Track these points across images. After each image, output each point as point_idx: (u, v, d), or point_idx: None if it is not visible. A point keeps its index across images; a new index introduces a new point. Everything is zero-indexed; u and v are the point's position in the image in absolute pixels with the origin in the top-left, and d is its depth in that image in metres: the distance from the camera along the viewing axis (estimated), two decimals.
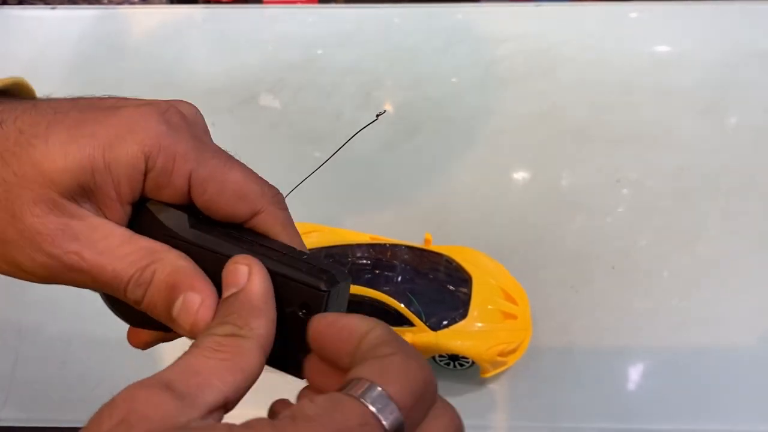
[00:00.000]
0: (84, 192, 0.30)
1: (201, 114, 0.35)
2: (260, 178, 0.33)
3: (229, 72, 0.86)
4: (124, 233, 0.31)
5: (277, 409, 0.28)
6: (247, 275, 0.29)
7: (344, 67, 0.87)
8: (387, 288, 0.55)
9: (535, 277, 0.63)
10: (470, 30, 0.92)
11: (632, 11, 0.94)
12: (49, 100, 0.33)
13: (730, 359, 0.59)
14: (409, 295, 0.55)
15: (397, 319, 0.54)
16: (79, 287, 0.32)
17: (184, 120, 0.33)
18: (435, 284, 0.57)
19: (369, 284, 0.55)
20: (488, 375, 0.56)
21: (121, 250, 0.30)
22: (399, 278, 0.56)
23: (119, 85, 0.85)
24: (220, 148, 0.33)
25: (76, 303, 0.64)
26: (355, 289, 0.55)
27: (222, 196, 0.31)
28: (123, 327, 0.61)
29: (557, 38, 0.90)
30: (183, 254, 0.31)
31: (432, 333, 0.54)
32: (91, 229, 0.30)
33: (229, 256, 0.30)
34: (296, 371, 0.30)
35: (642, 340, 0.60)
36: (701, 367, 0.58)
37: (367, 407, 0.23)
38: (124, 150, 0.30)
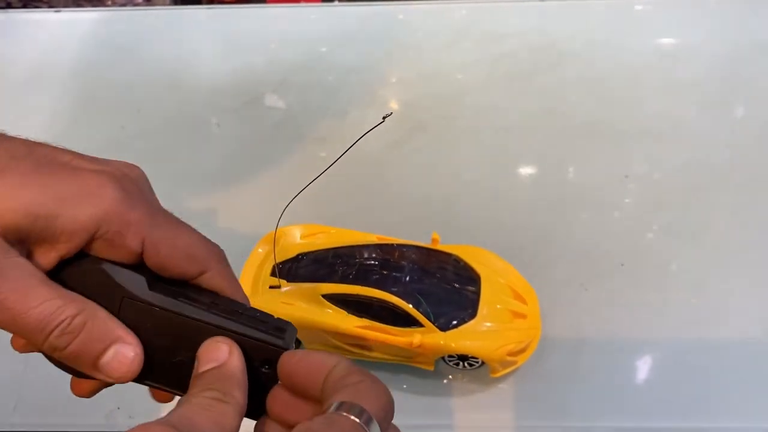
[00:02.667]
0: (20, 236, 0.31)
1: (144, 174, 0.37)
2: (206, 238, 0.36)
3: (234, 72, 0.86)
4: (52, 283, 0.32)
5: None
6: (228, 353, 0.32)
7: (349, 65, 0.87)
8: (395, 289, 0.55)
9: (544, 276, 0.62)
10: (475, 27, 0.92)
11: (637, 4, 0.94)
12: (3, 141, 0.34)
13: (742, 355, 0.58)
14: (418, 295, 0.55)
15: (405, 320, 0.54)
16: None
17: (136, 186, 0.35)
18: (443, 284, 0.56)
19: (377, 285, 0.55)
20: (498, 375, 0.55)
21: (49, 294, 0.31)
22: (407, 279, 0.56)
23: (124, 88, 0.85)
24: (168, 211, 0.36)
25: None
26: (364, 291, 0.54)
27: (173, 258, 0.34)
28: None
29: (562, 33, 0.89)
30: (105, 310, 0.33)
31: (441, 333, 0.54)
32: (21, 270, 0.31)
33: (191, 318, 0.33)
34: (258, 414, 0.34)
35: (652, 337, 0.60)
36: (713, 363, 0.58)
37: (356, 421, 0.29)
38: (81, 210, 0.32)
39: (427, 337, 0.54)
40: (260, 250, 0.60)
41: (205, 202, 0.72)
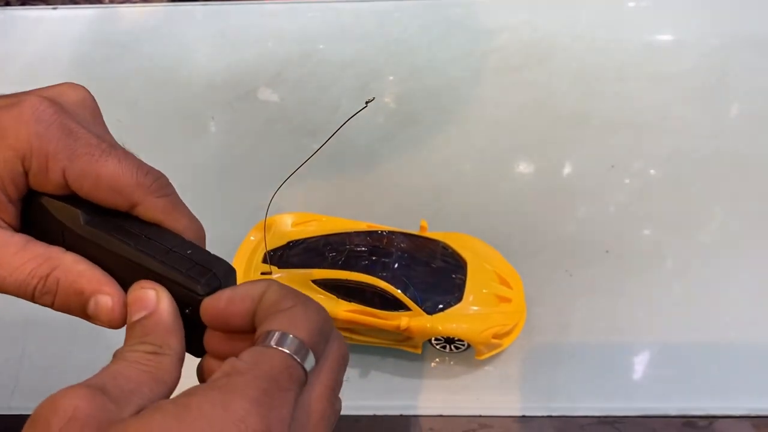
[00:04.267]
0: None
1: (90, 96, 0.36)
2: (138, 167, 0.33)
3: (229, 68, 0.88)
4: (18, 241, 0.32)
5: (207, 371, 0.32)
6: (156, 300, 0.31)
7: (342, 60, 0.89)
8: (384, 274, 0.56)
9: (530, 262, 0.64)
10: (466, 21, 0.93)
11: (630, 0, 0.95)
12: None
13: (724, 340, 0.60)
14: (405, 280, 0.56)
15: (393, 304, 0.55)
16: None
17: (57, 113, 0.33)
18: (430, 270, 0.58)
19: (366, 271, 0.56)
20: (483, 357, 0.57)
21: (18, 259, 0.32)
22: (395, 264, 0.57)
23: (121, 83, 0.87)
24: (97, 138, 0.33)
25: None
26: (353, 276, 0.56)
27: (98, 191, 0.33)
28: None
29: (552, 27, 0.91)
30: (79, 257, 0.33)
31: (428, 317, 0.55)
32: None
33: (121, 256, 0.32)
34: (197, 352, 0.33)
35: (636, 322, 0.61)
36: (695, 348, 0.59)
37: (286, 352, 0.28)
38: (1, 155, 0.32)
39: (414, 320, 0.55)
40: (252, 237, 0.62)
41: (200, 193, 0.73)
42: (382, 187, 0.74)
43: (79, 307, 0.33)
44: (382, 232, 0.60)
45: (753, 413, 0.55)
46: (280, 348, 0.28)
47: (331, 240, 0.60)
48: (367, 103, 0.42)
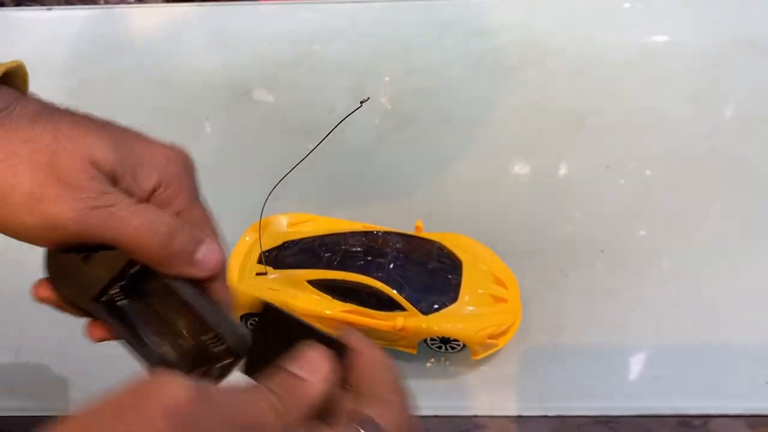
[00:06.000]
0: (112, 179, 0.37)
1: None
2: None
3: (225, 68, 0.88)
4: (147, 205, 0.38)
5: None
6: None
7: (338, 61, 0.89)
8: (379, 274, 0.56)
9: (526, 262, 0.64)
10: (461, 22, 0.93)
11: (625, 1, 0.96)
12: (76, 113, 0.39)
13: (719, 340, 0.60)
14: (401, 280, 0.56)
15: (389, 305, 0.55)
16: (99, 241, 0.36)
17: (192, 169, 0.42)
18: (426, 270, 0.58)
19: (362, 271, 0.56)
20: (479, 357, 0.57)
21: (148, 209, 0.37)
22: (391, 265, 0.57)
23: (116, 83, 0.87)
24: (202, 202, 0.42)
25: None
26: (348, 276, 0.56)
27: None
28: None
29: (548, 28, 0.91)
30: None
31: (423, 317, 0.55)
32: (119, 197, 0.37)
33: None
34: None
35: (631, 322, 0.61)
36: (690, 348, 0.59)
37: None
38: (146, 172, 0.38)
39: (409, 320, 0.55)
40: (247, 238, 0.62)
41: None
42: (377, 188, 0.74)
43: (190, 251, 0.38)
44: (377, 232, 0.60)
45: (747, 412, 0.55)
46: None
47: (327, 240, 0.60)
48: (362, 102, 0.43)
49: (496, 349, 0.57)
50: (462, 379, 0.58)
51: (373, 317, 0.56)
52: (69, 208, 0.35)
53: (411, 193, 0.73)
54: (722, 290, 0.63)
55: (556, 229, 0.69)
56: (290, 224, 0.63)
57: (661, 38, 0.91)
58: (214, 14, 0.97)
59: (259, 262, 0.59)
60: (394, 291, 0.55)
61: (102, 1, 1.04)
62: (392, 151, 0.78)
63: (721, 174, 0.73)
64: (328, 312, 0.56)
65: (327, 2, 0.97)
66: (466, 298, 0.57)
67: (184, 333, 0.38)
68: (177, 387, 0.28)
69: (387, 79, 0.87)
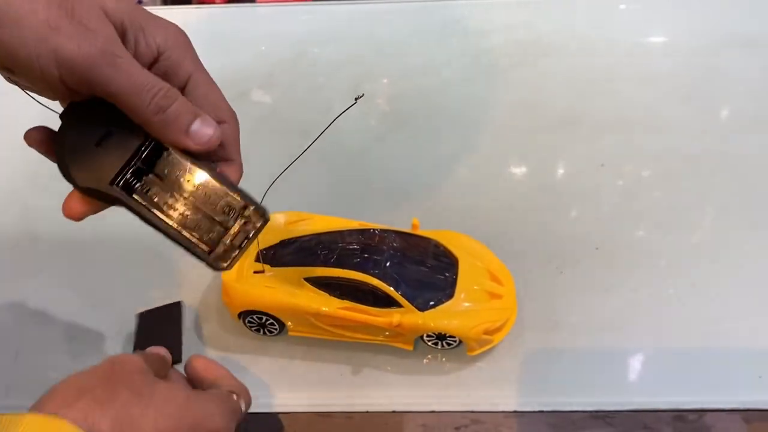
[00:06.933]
0: (120, 32, 0.38)
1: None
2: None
3: (222, 69, 0.86)
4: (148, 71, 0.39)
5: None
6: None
7: (335, 62, 0.89)
8: (376, 271, 0.56)
9: (521, 259, 0.64)
10: (458, 23, 0.94)
11: (621, 3, 0.96)
12: None
13: (714, 335, 0.60)
14: (397, 277, 0.57)
15: (385, 301, 0.56)
16: (100, 91, 0.37)
17: (191, 45, 0.43)
18: (422, 267, 0.58)
19: (358, 268, 0.56)
20: (475, 353, 0.57)
21: (152, 73, 0.39)
22: (387, 262, 0.57)
23: None
24: None
25: (75, 295, 0.66)
26: (345, 273, 0.56)
27: (205, 102, 0.42)
28: (121, 321, 0.63)
29: (544, 29, 0.92)
30: None
31: (419, 313, 0.56)
32: (126, 51, 0.38)
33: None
34: None
35: (626, 318, 0.62)
36: (685, 343, 0.60)
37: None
38: (158, 32, 0.40)
39: (406, 316, 0.55)
40: None
41: None
42: (374, 186, 0.75)
43: (186, 120, 0.39)
44: (374, 230, 0.61)
45: (742, 406, 0.55)
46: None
47: (324, 238, 0.60)
48: (356, 99, 0.43)
49: (491, 345, 0.57)
50: (458, 375, 0.58)
51: (370, 314, 0.56)
52: (81, 46, 0.35)
53: (408, 191, 0.74)
54: (716, 286, 0.63)
55: (552, 227, 0.69)
56: (288, 222, 0.64)
57: (656, 38, 0.91)
58: (211, 16, 0.97)
59: (257, 260, 0.59)
60: (391, 288, 0.56)
61: None
62: (389, 150, 0.78)
63: (715, 172, 0.74)
64: (325, 309, 0.56)
65: (324, 3, 0.98)
66: (462, 294, 0.57)
67: (197, 205, 0.41)
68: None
69: (384, 80, 0.88)
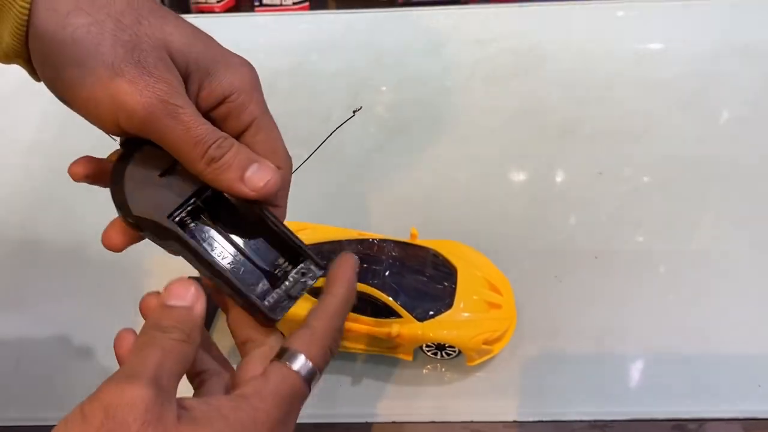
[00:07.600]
0: (185, 75, 0.37)
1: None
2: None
3: None
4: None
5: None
6: (195, 297, 0.36)
7: (333, 71, 0.89)
8: (375, 281, 0.57)
9: (520, 269, 0.64)
10: (456, 32, 0.94)
11: (619, 10, 0.96)
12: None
13: (714, 343, 0.60)
14: (396, 287, 0.57)
15: (384, 312, 0.56)
16: (155, 139, 0.37)
17: (260, 84, 0.41)
18: (421, 277, 0.58)
19: (357, 278, 0.56)
20: (474, 363, 0.57)
21: (207, 123, 0.37)
22: (386, 272, 0.58)
23: None
24: None
25: (76, 305, 0.66)
26: None
27: (264, 147, 0.40)
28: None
29: (542, 37, 0.92)
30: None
31: (419, 323, 0.56)
32: (188, 101, 0.37)
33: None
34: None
35: (625, 327, 0.61)
36: (684, 352, 0.60)
37: (303, 376, 0.35)
38: (225, 75, 0.39)
39: (405, 327, 0.55)
40: None
41: None
42: (373, 196, 0.75)
43: (241, 167, 0.38)
44: (372, 240, 0.61)
45: (742, 416, 0.55)
46: (300, 373, 0.35)
47: (323, 248, 0.60)
48: (354, 112, 0.43)
49: (491, 355, 0.57)
50: (458, 385, 0.58)
51: (369, 324, 0.56)
52: (143, 93, 0.35)
53: (406, 200, 0.74)
54: (715, 294, 0.63)
55: (550, 235, 0.69)
56: None
57: (654, 45, 0.92)
58: (208, 25, 0.97)
59: None
60: (390, 298, 0.56)
61: None
62: (387, 159, 0.79)
63: (714, 180, 0.74)
64: None
65: (323, 12, 0.98)
66: (461, 304, 0.57)
67: (248, 253, 0.40)
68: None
69: (383, 88, 0.88)
